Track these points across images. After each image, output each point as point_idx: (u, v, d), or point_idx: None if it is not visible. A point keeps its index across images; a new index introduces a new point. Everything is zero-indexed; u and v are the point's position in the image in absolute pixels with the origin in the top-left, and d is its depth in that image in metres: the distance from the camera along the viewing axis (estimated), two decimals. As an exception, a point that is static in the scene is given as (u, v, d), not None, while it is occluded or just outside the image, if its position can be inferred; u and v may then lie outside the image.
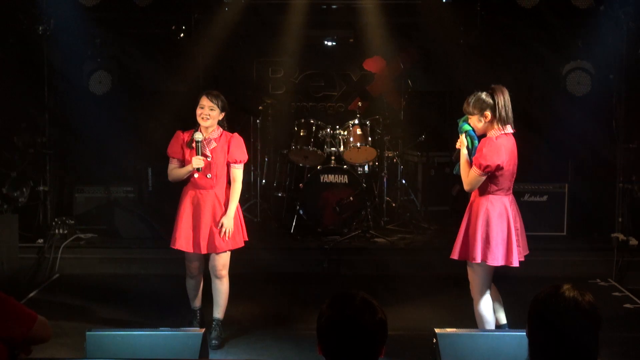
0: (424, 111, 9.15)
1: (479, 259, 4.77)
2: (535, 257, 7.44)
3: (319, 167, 8.16)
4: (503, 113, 4.69)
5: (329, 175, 8.10)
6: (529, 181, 7.99)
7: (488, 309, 4.98)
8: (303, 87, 9.71)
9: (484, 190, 4.79)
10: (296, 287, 7.04)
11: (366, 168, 8.42)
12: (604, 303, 6.61)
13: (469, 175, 4.78)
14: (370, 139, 8.08)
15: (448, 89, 9.20)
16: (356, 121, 8.17)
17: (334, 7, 9.17)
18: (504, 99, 4.71)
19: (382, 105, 9.12)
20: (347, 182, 8.07)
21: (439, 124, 9.09)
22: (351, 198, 8.03)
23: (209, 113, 5.24)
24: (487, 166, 4.65)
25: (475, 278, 4.93)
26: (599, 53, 7.91)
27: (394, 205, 8.64)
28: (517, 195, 7.81)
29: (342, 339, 2.43)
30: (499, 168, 4.67)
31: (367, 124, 8.15)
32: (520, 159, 8.25)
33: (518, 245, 4.84)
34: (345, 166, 8.16)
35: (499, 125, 4.71)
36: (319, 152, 8.16)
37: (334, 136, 8.28)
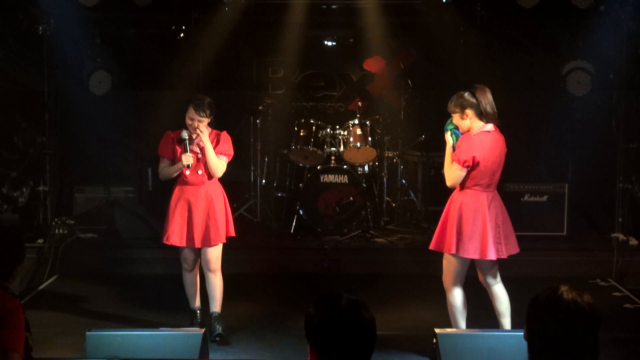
0: (424, 111, 9.15)
1: (453, 251, 4.97)
2: (535, 257, 7.50)
3: (319, 167, 8.16)
4: (483, 111, 4.89)
5: (329, 175, 8.10)
6: (529, 181, 7.99)
7: (460, 299, 5.11)
8: (303, 87, 9.71)
9: (462, 185, 4.99)
10: (296, 287, 7.04)
11: (366, 168, 8.42)
12: (604, 303, 6.61)
13: (450, 171, 4.98)
14: (370, 139, 8.08)
15: (448, 89, 9.18)
16: (356, 121, 8.17)
17: (334, 7, 9.16)
18: (484, 98, 4.90)
19: (382, 105, 9.11)
20: (347, 182, 8.07)
21: (439, 124, 9.08)
22: (351, 198, 8.03)
23: (197, 125, 5.37)
24: (465, 161, 4.88)
25: (449, 268, 5.08)
26: (599, 53, 7.91)
27: (394, 205, 8.64)
28: (517, 195, 7.91)
29: (339, 338, 2.39)
30: (475, 162, 4.87)
31: (367, 124, 8.15)
32: (520, 159, 8.27)
33: (498, 242, 4.97)
34: (345, 166, 8.16)
35: (479, 123, 4.91)
36: (319, 152, 8.16)
37: (334, 136, 8.28)
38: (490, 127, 4.93)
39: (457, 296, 5.12)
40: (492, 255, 4.91)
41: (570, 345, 2.41)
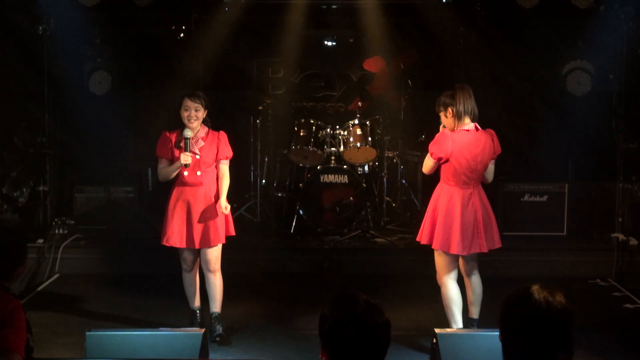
0: (424, 111, 9.14)
1: (425, 241, 5.26)
2: (535, 257, 7.50)
3: (319, 167, 8.15)
4: (461, 110, 5.10)
5: (329, 175, 8.10)
6: (529, 181, 7.99)
7: (452, 292, 5.26)
8: (303, 87, 9.70)
9: (441, 179, 5.27)
10: (296, 287, 7.04)
11: (366, 168, 8.41)
12: (604, 303, 6.62)
13: (426, 158, 5.33)
14: (370, 139, 8.08)
15: (448, 89, 9.17)
16: (356, 121, 8.17)
17: (334, 7, 9.16)
18: (460, 98, 5.10)
19: (382, 105, 9.11)
20: (347, 182, 8.07)
21: (439, 124, 9.08)
22: (351, 198, 8.03)
23: (195, 114, 5.38)
24: (432, 153, 5.19)
25: (438, 262, 5.32)
26: (599, 53, 7.91)
27: (394, 205, 8.64)
28: (517, 195, 7.91)
29: (352, 341, 2.37)
30: (440, 157, 5.15)
31: (367, 124, 8.15)
32: (520, 159, 8.26)
33: (477, 237, 5.15)
34: (345, 166, 8.16)
35: (459, 122, 5.12)
36: (319, 152, 8.15)
37: (334, 136, 8.28)
38: (470, 126, 5.12)
39: (449, 289, 5.28)
40: (455, 250, 5.12)
41: (543, 345, 2.39)
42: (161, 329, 5.06)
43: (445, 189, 5.22)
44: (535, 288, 2.44)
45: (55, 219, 7.79)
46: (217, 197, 5.51)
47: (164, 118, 7.45)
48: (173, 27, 8.41)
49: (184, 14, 8.40)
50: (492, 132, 5.24)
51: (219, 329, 5.52)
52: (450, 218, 5.13)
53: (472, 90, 5.20)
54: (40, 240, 7.52)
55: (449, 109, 5.13)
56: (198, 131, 5.45)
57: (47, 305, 6.45)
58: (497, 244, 5.28)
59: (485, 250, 5.20)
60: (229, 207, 5.50)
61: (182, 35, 8.42)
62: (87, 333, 4.43)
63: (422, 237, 5.29)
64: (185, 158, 5.32)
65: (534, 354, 2.40)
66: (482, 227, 5.16)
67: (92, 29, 8.13)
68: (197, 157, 5.40)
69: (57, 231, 7.66)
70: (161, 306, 6.37)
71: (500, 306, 2.51)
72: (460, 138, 5.11)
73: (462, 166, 5.11)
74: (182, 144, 5.38)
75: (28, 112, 7.92)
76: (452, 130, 5.15)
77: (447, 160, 5.14)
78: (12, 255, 3.27)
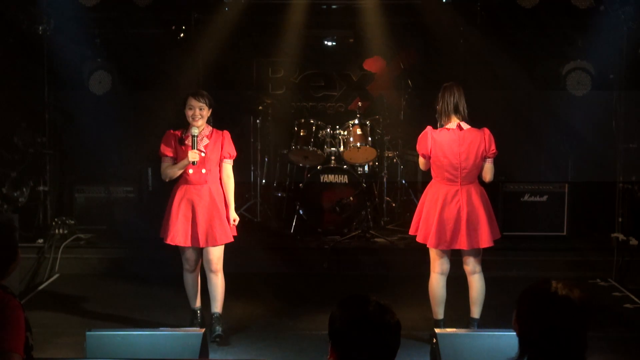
0: (424, 111, 9.15)
1: (412, 232, 5.44)
2: (536, 257, 7.50)
3: (319, 167, 8.16)
4: (441, 110, 5.27)
5: (329, 175, 8.10)
6: (529, 181, 8.00)
7: (434, 286, 5.40)
8: (303, 87, 9.71)
9: (433, 175, 5.39)
10: (296, 287, 7.04)
11: (366, 168, 8.41)
12: (604, 303, 6.61)
13: None
14: (370, 139, 8.08)
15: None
16: (356, 121, 8.17)
17: (334, 7, 9.16)
18: (444, 97, 5.24)
19: (382, 105, 9.11)
20: (347, 182, 8.07)
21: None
22: (351, 198, 8.03)
23: (199, 113, 5.41)
24: (418, 150, 5.36)
25: (430, 254, 5.43)
26: (599, 53, 7.91)
27: (394, 205, 8.64)
28: (517, 195, 7.92)
29: (363, 341, 2.35)
30: (424, 154, 5.32)
31: (367, 124, 8.15)
32: (520, 159, 8.28)
33: (459, 234, 5.22)
34: (345, 166, 8.16)
35: (443, 121, 5.28)
36: (319, 152, 8.16)
37: (334, 136, 8.28)
38: (452, 125, 5.23)
39: (431, 282, 5.42)
40: (431, 243, 5.26)
41: (562, 339, 2.45)
42: (161, 329, 5.05)
43: (432, 184, 5.37)
44: (557, 285, 2.53)
45: (55, 219, 7.78)
46: (221, 196, 5.53)
47: (164, 118, 7.45)
48: (173, 27, 8.41)
49: (184, 14, 8.40)
50: (487, 131, 5.25)
51: (218, 329, 5.52)
52: (431, 212, 5.26)
53: (464, 89, 5.27)
54: (40, 240, 7.52)
55: (436, 108, 5.30)
56: (203, 129, 5.47)
57: (47, 305, 6.45)
58: (483, 244, 5.27)
59: (465, 247, 5.24)
60: (237, 219, 5.58)
61: (182, 35, 8.42)
62: (87, 333, 4.43)
63: (411, 229, 5.46)
64: (194, 155, 5.32)
65: (551, 346, 2.45)
66: (464, 225, 5.20)
67: (92, 29, 8.13)
68: (203, 154, 5.41)
69: (57, 231, 7.66)
70: (161, 306, 6.37)
71: (519, 297, 2.55)
72: (440, 137, 5.23)
73: (443, 163, 5.23)
74: (188, 142, 5.39)
75: (28, 112, 7.92)
76: (441, 128, 5.27)
77: (429, 158, 5.30)
78: (3, 251, 3.25)
